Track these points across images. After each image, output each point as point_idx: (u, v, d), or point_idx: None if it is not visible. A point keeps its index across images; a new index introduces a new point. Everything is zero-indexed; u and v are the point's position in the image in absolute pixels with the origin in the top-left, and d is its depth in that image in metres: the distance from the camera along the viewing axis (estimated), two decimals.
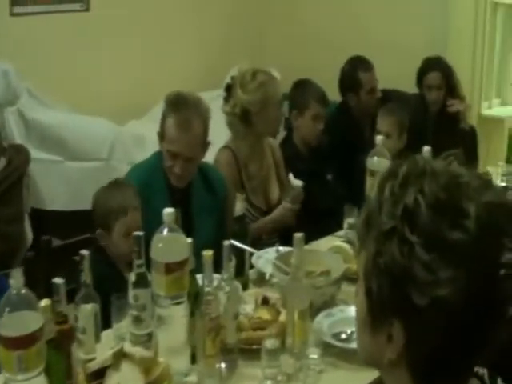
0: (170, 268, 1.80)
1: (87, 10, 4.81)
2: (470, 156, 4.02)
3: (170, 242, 1.83)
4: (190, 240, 1.93)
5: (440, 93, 3.98)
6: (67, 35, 4.56)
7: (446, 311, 0.94)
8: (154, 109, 4.42)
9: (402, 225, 0.96)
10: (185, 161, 2.58)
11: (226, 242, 1.97)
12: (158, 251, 1.82)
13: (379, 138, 2.75)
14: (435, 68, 4.01)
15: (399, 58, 4.92)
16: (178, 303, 1.84)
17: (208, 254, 1.86)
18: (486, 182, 1.03)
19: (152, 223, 2.57)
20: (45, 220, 4.07)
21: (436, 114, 4.04)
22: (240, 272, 2.39)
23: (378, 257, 0.98)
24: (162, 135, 2.61)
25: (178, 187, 2.67)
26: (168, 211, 1.81)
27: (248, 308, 2.18)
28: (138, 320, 2.03)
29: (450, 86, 4.00)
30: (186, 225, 2.68)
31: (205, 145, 2.65)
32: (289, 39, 5.67)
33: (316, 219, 3.11)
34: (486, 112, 5.57)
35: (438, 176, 0.99)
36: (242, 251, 2.38)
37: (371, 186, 2.74)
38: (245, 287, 2.38)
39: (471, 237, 0.94)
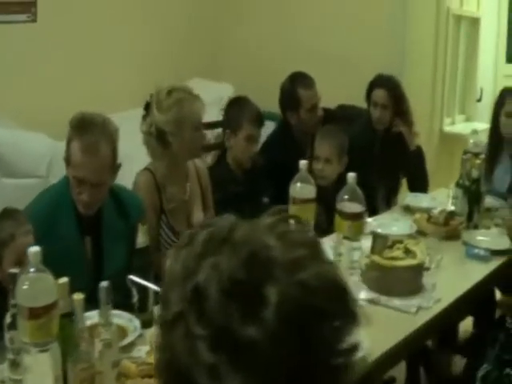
0: (33, 313, 1.63)
1: (34, 20, 4.65)
2: (418, 177, 3.87)
3: (36, 285, 1.66)
4: (64, 280, 1.76)
5: (385, 112, 3.81)
6: (13, 46, 4.40)
7: None
8: None
9: (189, 311, 0.76)
10: (92, 187, 2.41)
11: (103, 283, 1.80)
12: (22, 294, 1.65)
13: (303, 163, 2.59)
14: (383, 86, 3.82)
15: (357, 72, 4.79)
16: (44, 351, 1.67)
17: (78, 297, 1.69)
18: (311, 254, 0.81)
19: (58, 254, 2.43)
20: None
21: (383, 134, 3.87)
22: (143, 308, 2.23)
23: (162, 350, 0.78)
24: (67, 161, 2.44)
25: (87, 214, 2.50)
26: (33, 250, 1.64)
27: (144, 350, 2.01)
28: (14, 364, 1.87)
29: (399, 109, 3.82)
30: (97, 255, 2.55)
31: (114, 168, 2.48)
32: (244, 55, 5.55)
33: None
34: (447, 129, 5.45)
35: (240, 247, 0.78)
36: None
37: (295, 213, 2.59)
38: (148, 325, 2.21)
39: (267, 333, 0.73)
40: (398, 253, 2.60)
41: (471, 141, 3.59)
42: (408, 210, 3.48)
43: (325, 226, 2.86)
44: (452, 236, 3.16)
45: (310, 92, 3.69)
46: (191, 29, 5.49)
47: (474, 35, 5.97)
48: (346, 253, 2.35)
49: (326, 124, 3.62)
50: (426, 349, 3.26)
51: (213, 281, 0.75)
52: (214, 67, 5.48)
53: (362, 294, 2.46)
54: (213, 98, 4.62)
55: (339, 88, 4.77)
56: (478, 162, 3.40)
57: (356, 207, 2.44)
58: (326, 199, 3.00)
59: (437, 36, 5.25)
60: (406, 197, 3.67)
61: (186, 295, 0.76)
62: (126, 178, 2.86)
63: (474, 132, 3.66)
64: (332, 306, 0.78)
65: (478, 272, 2.91)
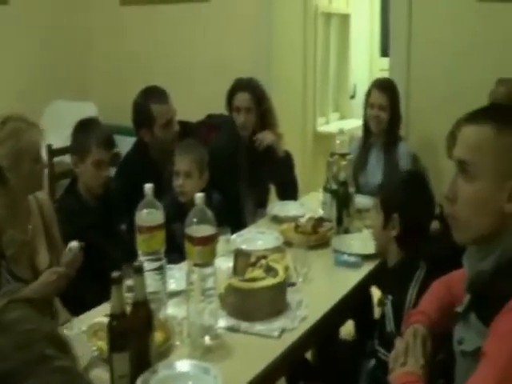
0: None
1: None
2: (287, 184, 3.74)
3: None
4: None
5: (249, 116, 3.67)
6: None
7: None
8: None
9: None
10: None
11: None
12: None
13: (148, 187, 2.39)
14: (244, 89, 3.68)
15: (224, 79, 4.65)
16: None
17: None
18: (32, 359, 0.68)
19: None
20: None
21: (248, 141, 3.72)
22: None
23: None
24: None
25: None
26: None
27: None
28: None
29: (262, 110, 3.68)
30: None
31: None
32: (106, 73, 5.34)
33: (103, 279, 2.66)
34: (321, 128, 5.37)
35: None
36: None
37: (142, 243, 2.39)
38: None
39: None
40: (258, 272, 2.45)
41: (338, 142, 3.48)
42: (276, 220, 3.34)
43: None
44: (321, 244, 3.04)
45: (163, 107, 3.47)
46: (50, 51, 5.24)
47: (345, 32, 5.95)
48: (197, 281, 2.17)
49: (185, 138, 3.42)
50: (304, 361, 3.14)
51: None
52: (75, 87, 5.24)
53: (221, 322, 2.29)
54: (77, 119, 4.39)
55: (209, 97, 4.63)
56: (344, 163, 3.30)
57: (206, 230, 2.25)
58: None
59: (305, 35, 5.18)
60: (274, 206, 3.54)
61: None
62: None
63: (341, 132, 3.55)
64: None
65: (349, 280, 2.78)
